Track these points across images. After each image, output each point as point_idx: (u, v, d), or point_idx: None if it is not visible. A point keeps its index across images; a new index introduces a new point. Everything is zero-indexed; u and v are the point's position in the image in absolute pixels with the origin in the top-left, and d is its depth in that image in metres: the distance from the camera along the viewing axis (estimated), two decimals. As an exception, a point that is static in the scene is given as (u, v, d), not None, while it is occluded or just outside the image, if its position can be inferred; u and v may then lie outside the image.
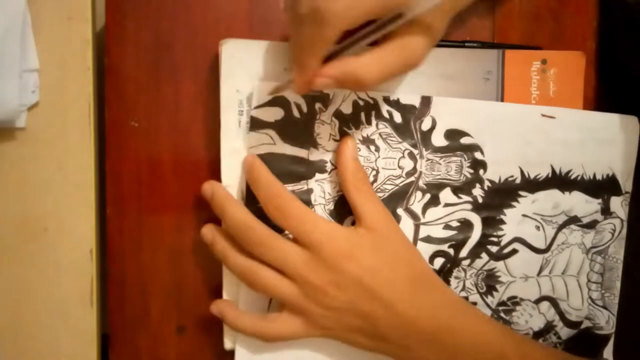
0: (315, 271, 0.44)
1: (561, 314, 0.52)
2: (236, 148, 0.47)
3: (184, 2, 0.48)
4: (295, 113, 0.47)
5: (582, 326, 0.52)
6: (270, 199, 0.45)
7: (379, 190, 0.48)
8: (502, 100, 0.50)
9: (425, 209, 0.49)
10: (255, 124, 0.47)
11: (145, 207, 0.49)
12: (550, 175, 0.50)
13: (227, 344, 0.48)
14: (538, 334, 0.51)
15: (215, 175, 0.47)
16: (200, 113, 0.49)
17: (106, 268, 0.49)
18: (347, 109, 0.48)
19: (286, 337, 0.46)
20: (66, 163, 0.47)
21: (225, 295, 0.48)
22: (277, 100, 0.47)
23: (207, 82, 0.48)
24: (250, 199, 0.46)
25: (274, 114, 0.47)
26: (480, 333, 0.46)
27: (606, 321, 0.53)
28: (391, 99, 0.48)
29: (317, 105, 0.47)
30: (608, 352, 0.53)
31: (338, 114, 0.48)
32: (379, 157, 0.48)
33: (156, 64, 0.48)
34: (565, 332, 0.52)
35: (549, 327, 0.52)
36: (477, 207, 0.50)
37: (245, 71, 0.47)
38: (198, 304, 0.49)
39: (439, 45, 0.50)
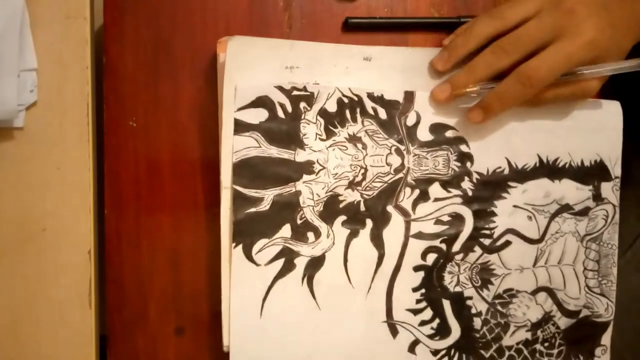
0: None
1: (559, 304, 0.52)
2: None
3: (183, 1, 0.49)
4: (280, 113, 0.47)
5: (581, 315, 0.52)
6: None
7: (368, 188, 0.49)
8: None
9: (415, 205, 0.49)
10: (240, 127, 0.47)
11: (144, 208, 0.49)
12: (537, 165, 0.51)
13: (226, 345, 0.48)
14: (536, 325, 0.51)
15: (215, 175, 0.48)
16: (199, 112, 0.49)
17: (104, 269, 0.49)
18: (331, 107, 0.48)
19: None
20: (64, 163, 0.47)
21: (224, 296, 0.47)
22: (260, 101, 0.47)
23: (206, 81, 0.49)
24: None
25: (258, 115, 0.47)
26: None
27: (605, 309, 0.53)
28: (375, 95, 0.49)
29: (302, 105, 0.48)
30: (606, 338, 0.53)
31: (323, 113, 0.48)
32: (366, 154, 0.49)
33: (155, 63, 0.49)
34: (563, 322, 0.52)
35: (547, 318, 0.51)
36: (467, 201, 0.50)
37: (249, 68, 0.47)
38: (196, 305, 0.49)
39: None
